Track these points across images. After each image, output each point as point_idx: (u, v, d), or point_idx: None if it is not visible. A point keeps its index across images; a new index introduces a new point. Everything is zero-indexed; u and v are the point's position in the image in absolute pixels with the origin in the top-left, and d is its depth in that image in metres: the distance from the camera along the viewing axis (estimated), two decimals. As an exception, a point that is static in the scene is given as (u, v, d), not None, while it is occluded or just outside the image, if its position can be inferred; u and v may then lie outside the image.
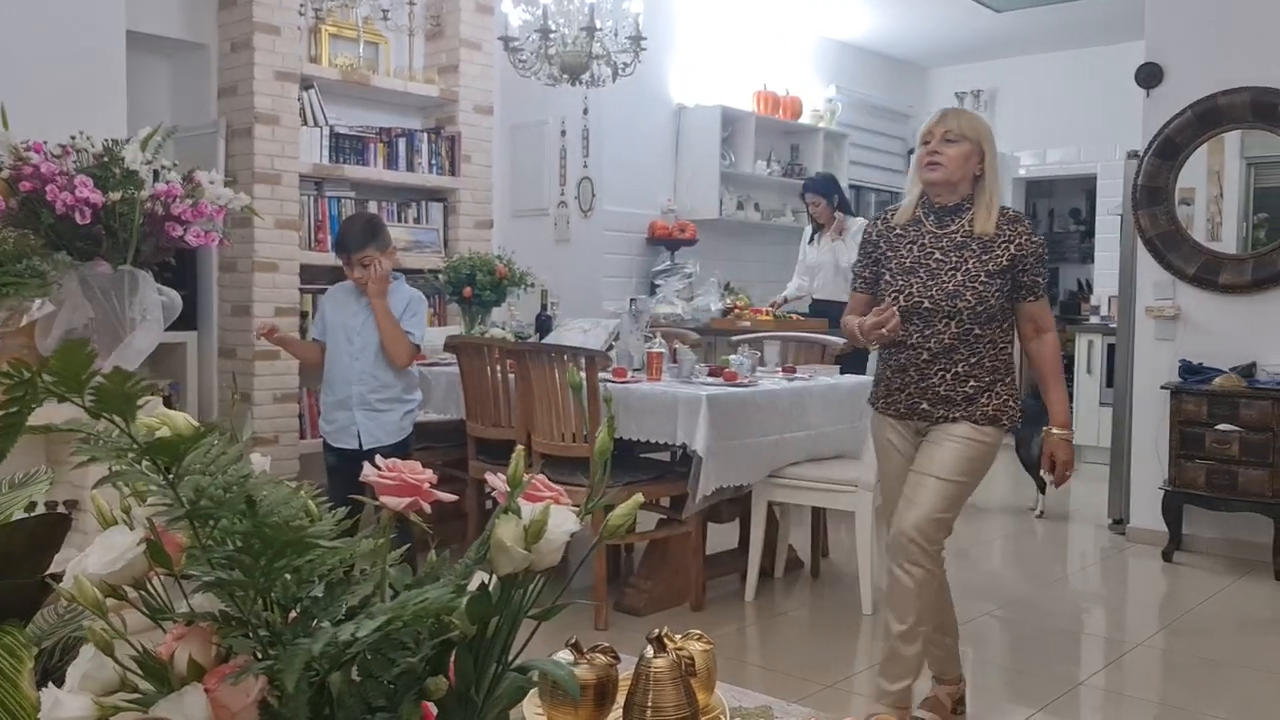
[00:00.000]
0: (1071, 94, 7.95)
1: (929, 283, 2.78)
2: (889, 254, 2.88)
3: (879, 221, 2.97)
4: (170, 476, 0.63)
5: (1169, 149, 5.09)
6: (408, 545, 0.81)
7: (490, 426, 4.13)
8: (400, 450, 3.84)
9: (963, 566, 4.91)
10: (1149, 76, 5.15)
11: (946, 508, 2.76)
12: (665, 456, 4.34)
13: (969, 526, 5.62)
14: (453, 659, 0.71)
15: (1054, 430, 2.86)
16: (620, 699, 1.62)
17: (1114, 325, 6.63)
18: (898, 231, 2.88)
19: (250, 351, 5.01)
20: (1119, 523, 5.42)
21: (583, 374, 3.67)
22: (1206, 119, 4.98)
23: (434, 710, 0.73)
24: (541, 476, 0.81)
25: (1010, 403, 2.82)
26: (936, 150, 2.75)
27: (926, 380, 2.81)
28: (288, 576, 0.67)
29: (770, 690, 3.21)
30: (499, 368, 4.08)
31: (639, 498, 0.82)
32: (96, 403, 0.59)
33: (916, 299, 2.78)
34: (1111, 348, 6.88)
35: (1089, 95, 7.72)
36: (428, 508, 0.74)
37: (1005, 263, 2.76)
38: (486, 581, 0.71)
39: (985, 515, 5.88)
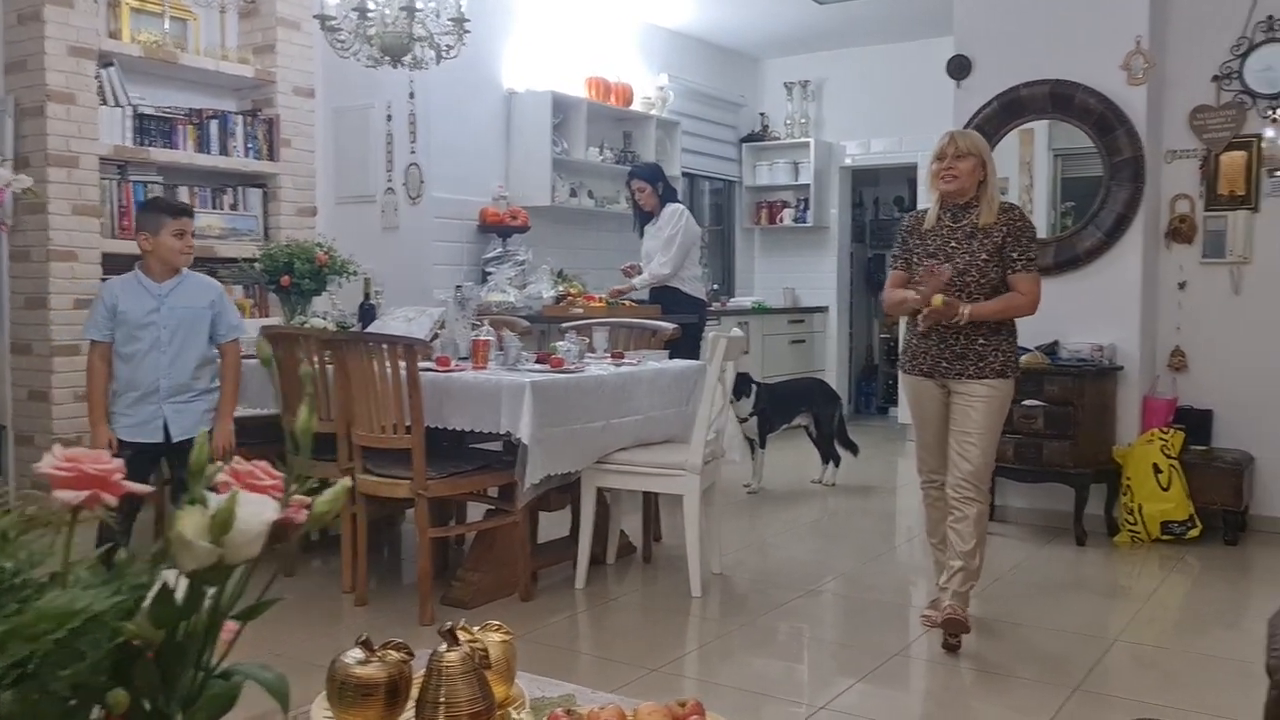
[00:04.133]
0: (892, 86, 8.23)
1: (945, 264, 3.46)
2: (917, 244, 3.61)
3: (911, 218, 3.73)
4: None
5: (978, 138, 5.31)
6: (110, 545, 0.73)
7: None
8: (210, 442, 3.70)
9: (792, 543, 5.03)
10: (958, 68, 5.37)
11: (985, 453, 3.50)
12: (498, 447, 4.28)
13: (800, 506, 5.76)
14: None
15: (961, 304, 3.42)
16: (415, 696, 1.57)
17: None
18: (925, 227, 3.59)
19: (47, 347, 4.69)
20: (938, 497, 5.64)
21: (396, 362, 3.57)
22: (1011, 109, 5.22)
23: (128, 727, 0.67)
24: (264, 464, 0.75)
25: (1014, 357, 3.54)
26: (951, 166, 3.47)
27: (946, 343, 3.50)
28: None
29: (599, 676, 3.20)
30: (316, 359, 3.93)
31: (346, 482, 0.76)
32: None
33: (949, 269, 3.44)
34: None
35: (908, 87, 8.00)
36: (113, 500, 0.67)
37: (999, 242, 3.46)
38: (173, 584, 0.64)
39: (815, 493, 6.04)
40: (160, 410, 3.80)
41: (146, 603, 0.63)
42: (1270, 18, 4.92)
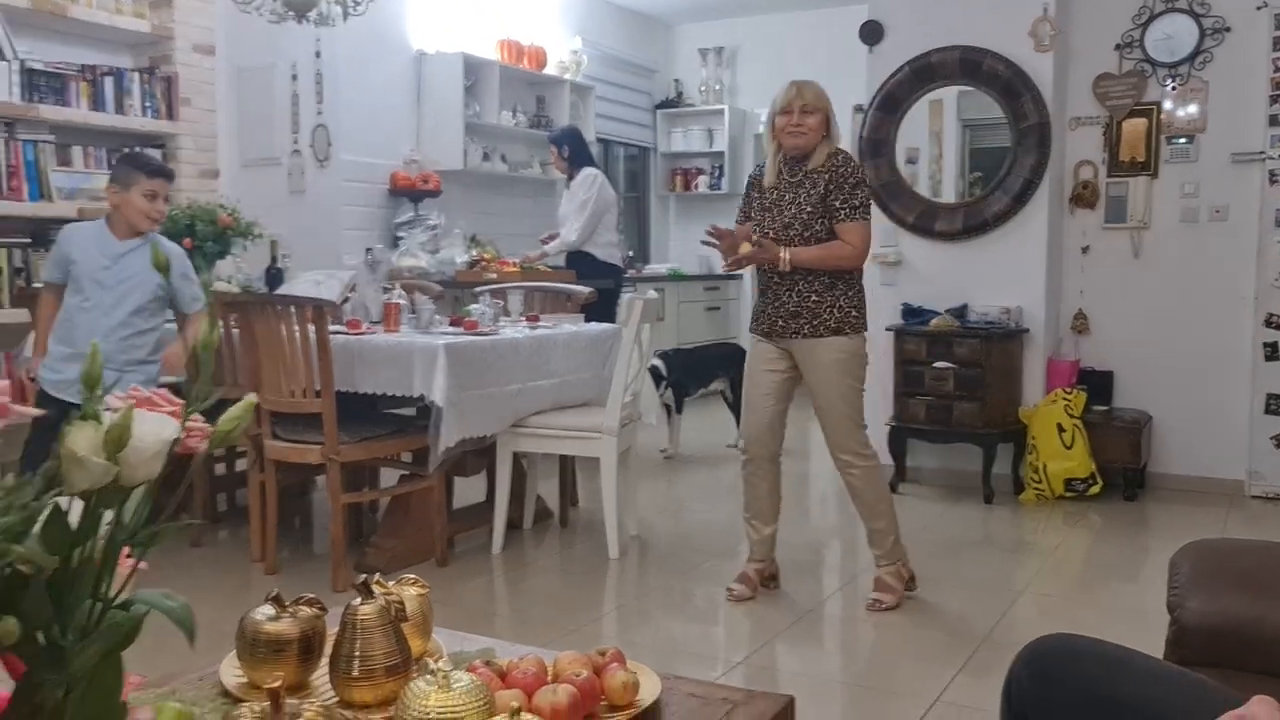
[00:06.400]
0: (805, 52, 8.24)
1: (775, 218, 3.39)
2: (755, 198, 3.50)
3: (753, 174, 3.60)
4: None
5: (890, 103, 5.37)
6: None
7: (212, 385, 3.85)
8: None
9: (708, 507, 5.06)
10: (871, 34, 5.40)
11: (849, 416, 3.40)
12: (411, 412, 4.21)
13: (716, 470, 5.79)
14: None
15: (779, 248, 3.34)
16: (329, 652, 1.53)
17: (846, 274, 6.99)
18: (766, 183, 3.46)
19: (-69, 312, 4.46)
20: (851, 459, 5.72)
21: (305, 325, 3.48)
22: (922, 75, 5.28)
23: (20, 661, 0.62)
24: (164, 392, 0.70)
25: (854, 313, 3.40)
26: (800, 122, 3.32)
27: (780, 300, 3.40)
28: None
29: (517, 637, 3.16)
30: (223, 322, 3.81)
31: (251, 399, 0.72)
32: None
33: (764, 232, 3.39)
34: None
35: (822, 53, 8.02)
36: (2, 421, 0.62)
37: (821, 190, 3.33)
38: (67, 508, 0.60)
39: (730, 458, 6.08)
40: None
41: (37, 527, 0.59)
42: (1169, -12, 5.05)
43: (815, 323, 3.37)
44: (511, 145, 7.12)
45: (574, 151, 5.99)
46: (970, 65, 5.17)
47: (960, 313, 5.18)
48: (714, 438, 6.54)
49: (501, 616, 3.56)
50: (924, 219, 5.34)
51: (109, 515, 0.61)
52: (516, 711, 1.24)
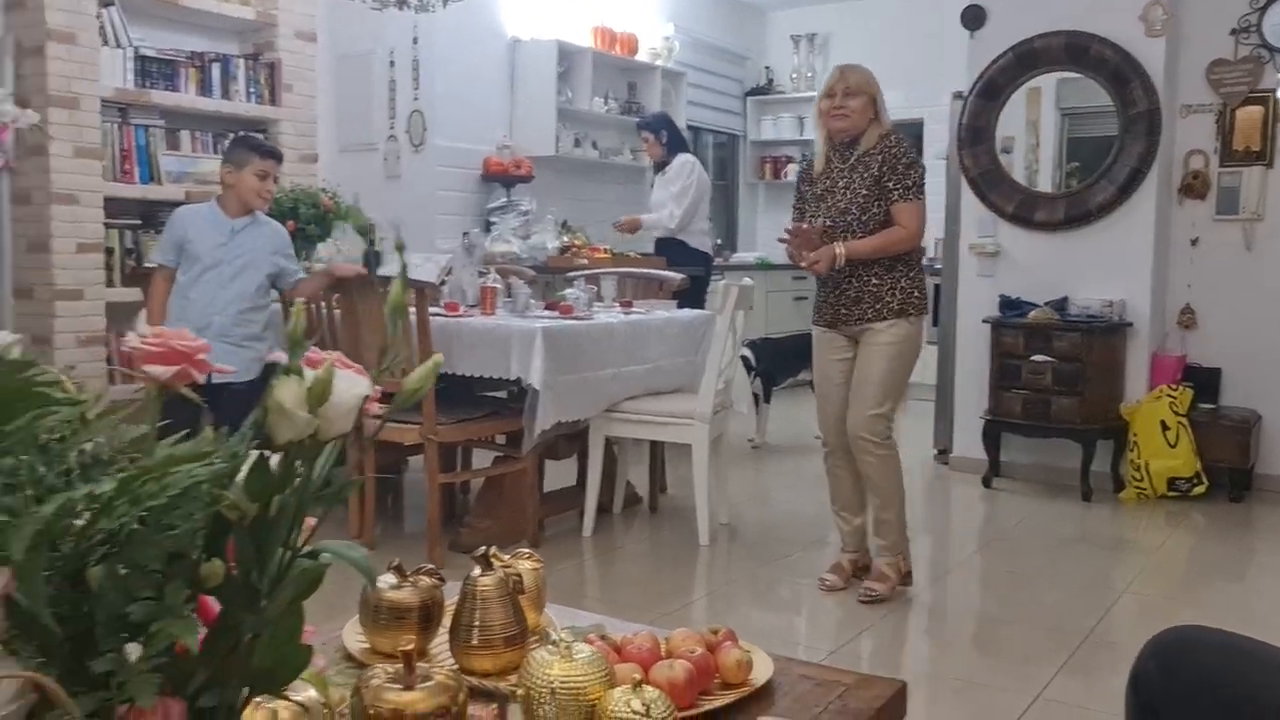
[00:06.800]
0: (901, 38, 8.13)
1: (830, 205, 3.34)
2: (808, 189, 3.46)
3: (805, 163, 3.57)
4: None
5: (991, 90, 5.26)
6: (185, 433, 0.71)
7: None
8: (253, 391, 3.66)
9: (796, 496, 5.03)
10: (973, 19, 5.30)
11: (882, 401, 3.33)
12: (503, 394, 4.26)
13: (803, 460, 5.75)
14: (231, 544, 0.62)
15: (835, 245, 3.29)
16: (447, 622, 1.56)
17: (939, 266, 6.88)
18: (816, 171, 3.43)
19: (49, 291, 4.64)
20: (943, 453, 5.65)
21: (413, 306, 3.54)
22: (1025, 60, 5.16)
23: (215, 604, 0.65)
24: (340, 355, 0.72)
25: (916, 294, 3.34)
26: (841, 105, 3.28)
27: (840, 289, 3.36)
28: (22, 458, 0.57)
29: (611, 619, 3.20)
30: (324, 302, 3.89)
31: (439, 357, 0.74)
32: None
33: (820, 220, 3.35)
34: (937, 288, 7.14)
35: (918, 39, 7.91)
36: (200, 378, 0.65)
37: (875, 173, 3.27)
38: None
39: (817, 448, 6.03)
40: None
41: (241, 475, 0.61)
42: (1290, -29, 4.86)
43: (879, 306, 3.33)
44: (602, 131, 7.15)
45: (671, 137, 5.98)
46: (1076, 50, 5.03)
47: (1060, 305, 5.06)
48: (801, 428, 6.49)
49: (592, 598, 3.59)
50: (1024, 209, 5.22)
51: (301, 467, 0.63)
52: (639, 684, 1.24)
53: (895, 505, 3.44)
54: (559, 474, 4.56)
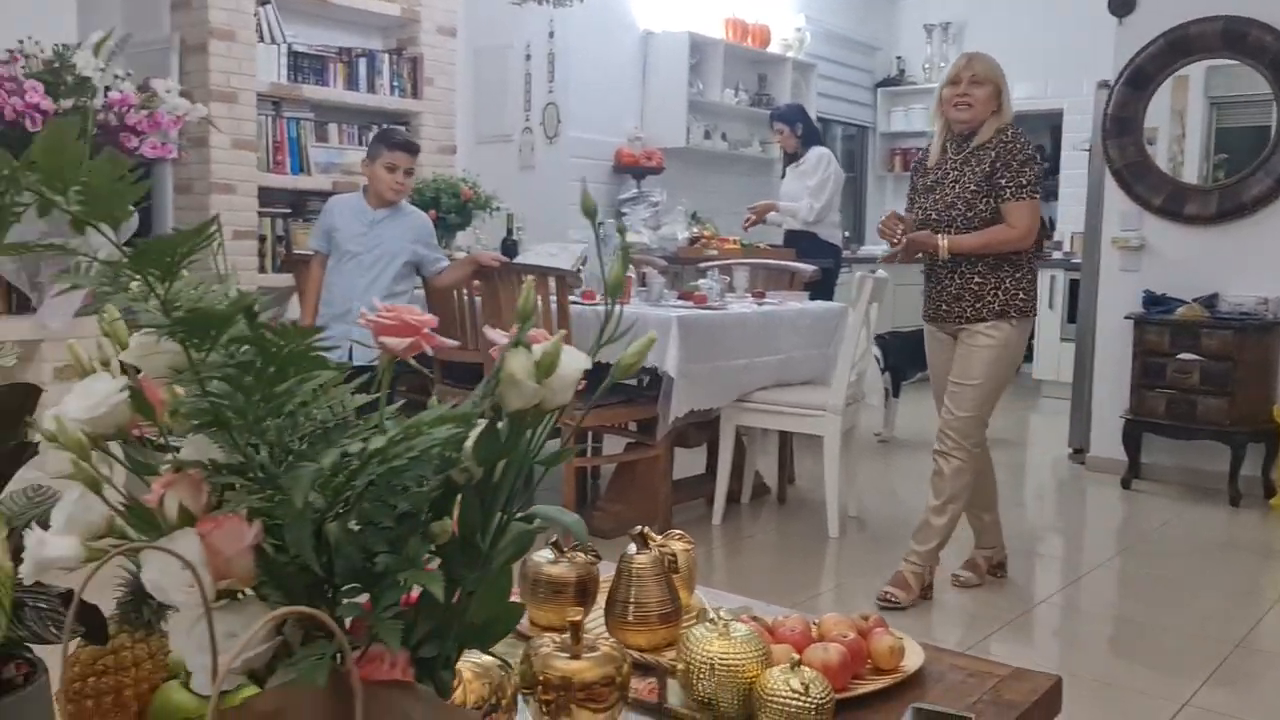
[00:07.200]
0: (1040, 26, 7.89)
1: (938, 199, 3.24)
2: (919, 180, 3.37)
3: (920, 153, 3.48)
4: (165, 289, 0.58)
5: (1139, 78, 5.08)
6: (404, 403, 0.77)
7: (456, 349, 4.07)
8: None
9: (920, 491, 4.95)
10: (1122, 4, 5.12)
11: (975, 405, 3.23)
12: (634, 382, 4.32)
13: (924, 455, 5.66)
14: (458, 504, 0.67)
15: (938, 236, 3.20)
16: (601, 599, 1.61)
17: (1076, 261, 6.68)
18: (930, 163, 3.34)
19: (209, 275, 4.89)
20: (1079, 452, 5.49)
21: (545, 293, 3.62)
22: (1177, 47, 4.96)
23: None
24: (542, 331, 0.77)
25: (1021, 295, 3.20)
26: (966, 93, 3.17)
27: (942, 284, 3.26)
28: (296, 410, 0.63)
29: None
30: (465, 289, 4.02)
31: (653, 335, 0.78)
32: (84, 205, 0.54)
33: (926, 213, 3.26)
34: (1073, 283, 6.93)
35: (1058, 27, 7.67)
36: (430, 351, 0.71)
37: (987, 167, 3.15)
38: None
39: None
40: (350, 332, 3.87)
41: (470, 440, 0.66)
42: None
43: (978, 305, 3.20)
44: (732, 123, 7.16)
45: (806, 129, 5.95)
46: (1233, 36, 4.82)
47: (1210, 302, 4.86)
48: (930, 423, 6.39)
49: (721, 586, 3.62)
50: (1172, 202, 5.03)
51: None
52: (797, 664, 1.27)
53: (949, 514, 3.31)
54: (687, 462, 4.61)
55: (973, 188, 3.15)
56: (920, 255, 3.30)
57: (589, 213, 0.71)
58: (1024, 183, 3.13)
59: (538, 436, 0.70)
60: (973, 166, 3.17)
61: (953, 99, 3.19)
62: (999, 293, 3.18)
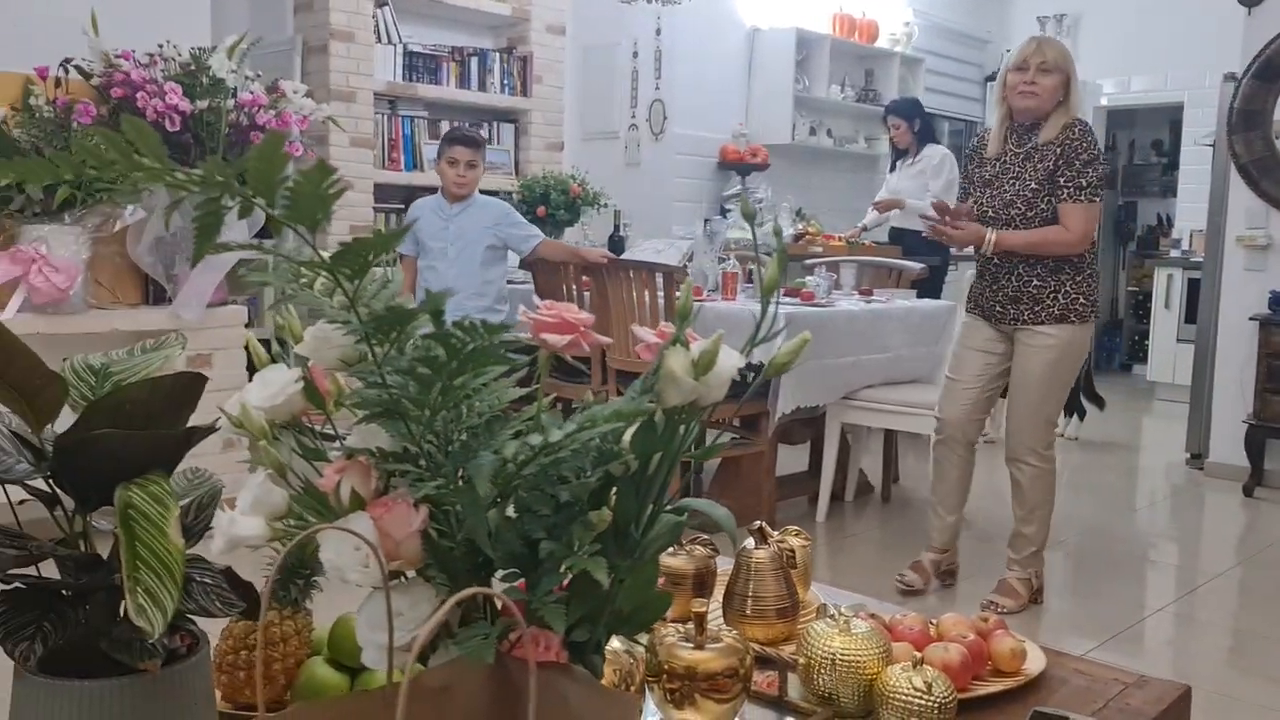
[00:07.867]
0: (1162, 15, 7.63)
1: (996, 194, 3.10)
2: (975, 171, 3.21)
3: (974, 140, 3.32)
4: (355, 287, 0.63)
5: (1269, 71, 4.89)
6: (554, 396, 0.80)
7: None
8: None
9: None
10: (1252, -7, 4.93)
11: (1039, 412, 3.14)
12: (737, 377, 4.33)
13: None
14: (614, 495, 0.71)
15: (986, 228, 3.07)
16: (718, 592, 1.64)
17: (1195, 259, 6.46)
18: (988, 154, 3.18)
19: (326, 268, 5.06)
20: (1197, 457, 5.32)
21: (654, 288, 3.66)
22: (1310, 39, 4.77)
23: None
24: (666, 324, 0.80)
25: (1081, 299, 3.05)
26: (1034, 80, 3.00)
27: (998, 283, 3.13)
28: (462, 402, 0.67)
29: (844, 607, 3.22)
30: (574, 285, 4.08)
31: (807, 334, 0.80)
32: (289, 208, 0.59)
33: (984, 209, 3.13)
34: (1192, 282, 6.70)
35: (1180, 18, 7.41)
36: (587, 348, 0.74)
37: (1050, 165, 3.00)
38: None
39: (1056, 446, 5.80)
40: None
41: (628, 434, 0.69)
42: None
43: (1037, 308, 3.06)
44: (838, 119, 7.10)
45: (923, 125, 5.86)
46: (1372, 27, 4.60)
47: (1342, 299, 4.66)
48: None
49: (826, 584, 3.61)
50: (1302, 198, 4.83)
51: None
52: (919, 662, 1.28)
53: (1042, 521, 3.25)
54: (790, 459, 4.60)
55: (1034, 185, 3.01)
56: (975, 247, 3.18)
57: (748, 216, 0.74)
58: (1084, 184, 2.98)
59: (691, 430, 0.73)
60: (1035, 163, 3.02)
61: (1018, 86, 3.02)
62: (1059, 296, 3.05)
